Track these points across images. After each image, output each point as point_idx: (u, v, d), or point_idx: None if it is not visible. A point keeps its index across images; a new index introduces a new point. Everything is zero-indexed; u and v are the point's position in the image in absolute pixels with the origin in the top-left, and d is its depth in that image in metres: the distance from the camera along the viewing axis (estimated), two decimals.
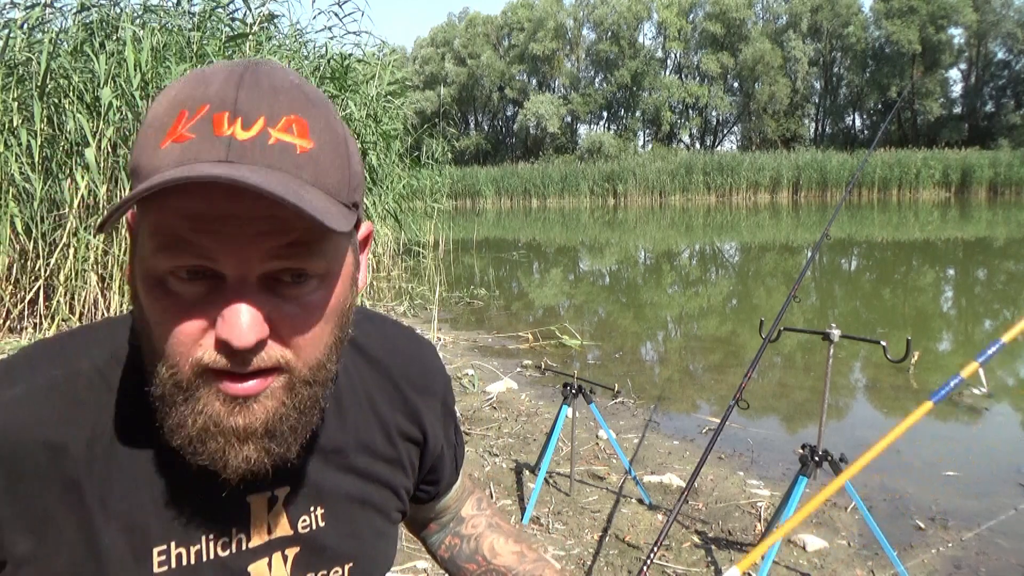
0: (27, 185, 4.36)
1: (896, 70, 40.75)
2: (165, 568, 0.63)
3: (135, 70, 4.40)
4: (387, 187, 7.85)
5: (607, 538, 2.40)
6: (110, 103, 4.33)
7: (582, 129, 48.43)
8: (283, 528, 0.69)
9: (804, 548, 2.33)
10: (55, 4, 5.00)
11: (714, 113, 47.44)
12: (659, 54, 47.20)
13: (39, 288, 4.41)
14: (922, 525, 2.53)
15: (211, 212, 0.52)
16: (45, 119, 4.48)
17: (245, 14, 5.35)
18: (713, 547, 2.35)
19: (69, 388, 0.60)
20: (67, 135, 4.51)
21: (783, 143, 39.94)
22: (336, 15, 6.65)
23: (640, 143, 46.40)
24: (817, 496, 1.55)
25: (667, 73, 47.24)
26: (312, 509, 0.71)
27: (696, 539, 2.41)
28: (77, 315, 4.45)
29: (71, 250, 4.41)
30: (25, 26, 4.70)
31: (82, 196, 4.39)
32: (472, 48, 48.46)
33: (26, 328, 4.43)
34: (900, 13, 39.15)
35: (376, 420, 0.77)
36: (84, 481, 0.59)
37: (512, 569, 0.91)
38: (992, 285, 8.50)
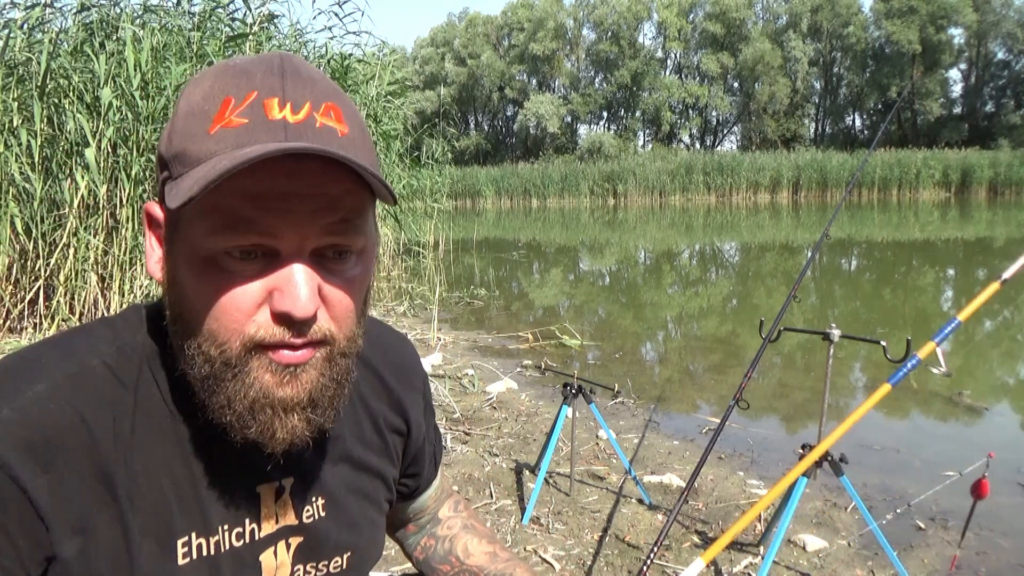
0: (27, 185, 4.36)
1: (896, 70, 40.76)
2: (188, 560, 0.64)
3: (135, 70, 4.40)
4: None
5: (607, 538, 2.40)
6: (110, 103, 4.33)
7: (582, 129, 48.50)
8: (289, 518, 0.71)
9: (804, 548, 2.33)
10: (55, 4, 5.00)
11: (714, 113, 47.46)
12: (659, 54, 47.23)
13: (39, 288, 4.41)
14: (922, 525, 2.53)
15: (273, 190, 0.54)
16: (45, 119, 4.48)
17: (245, 14, 5.36)
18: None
19: (88, 383, 0.60)
20: (67, 135, 4.51)
21: (783, 143, 39.95)
22: (336, 15, 6.66)
23: (640, 143, 46.44)
24: (779, 483, 1.55)
25: (667, 73, 47.25)
26: (315, 499, 0.73)
27: (696, 539, 2.41)
28: (77, 315, 4.45)
29: (71, 250, 4.41)
30: (25, 26, 4.70)
31: (82, 196, 4.39)
32: (472, 48, 48.47)
33: (26, 328, 4.43)
34: (900, 13, 39.15)
35: (366, 411, 0.79)
36: (115, 475, 0.60)
37: (484, 569, 0.92)
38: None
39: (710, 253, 13.21)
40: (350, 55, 7.00)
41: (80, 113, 4.37)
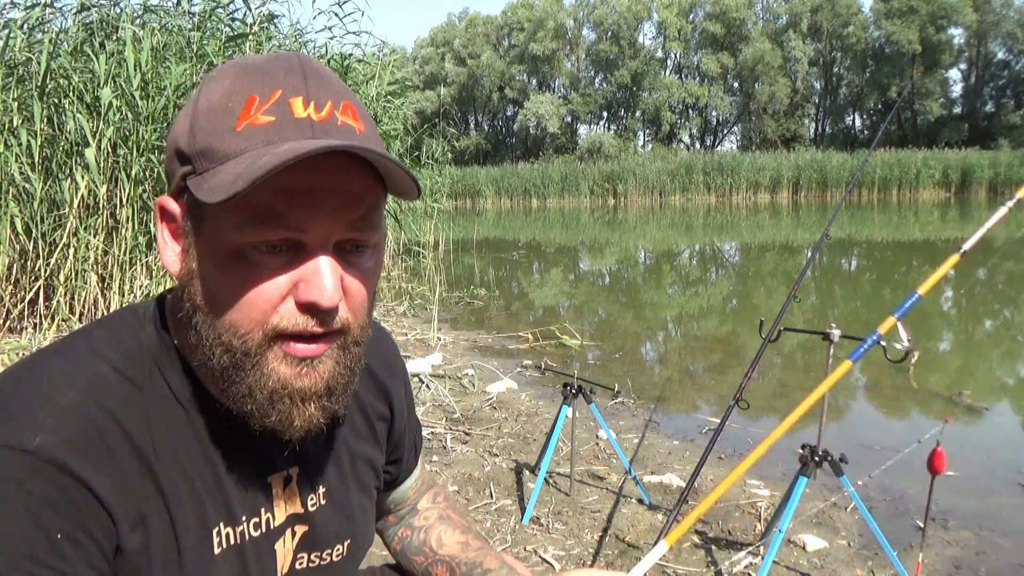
0: (27, 185, 4.36)
1: (896, 70, 40.75)
2: (220, 550, 0.66)
3: (135, 70, 4.40)
4: None
5: (607, 538, 2.40)
6: (110, 103, 4.33)
7: (582, 129, 48.49)
8: (295, 506, 0.73)
9: (804, 548, 2.33)
10: (55, 4, 5.00)
11: (714, 113, 47.44)
12: (659, 54, 47.21)
13: (39, 288, 4.41)
14: (922, 525, 2.53)
15: (303, 186, 0.56)
16: (45, 119, 4.48)
17: (245, 14, 5.35)
18: (713, 547, 2.35)
19: (107, 387, 0.61)
20: (67, 135, 4.51)
21: (783, 143, 39.94)
22: (336, 15, 6.65)
23: (640, 143, 46.42)
24: (750, 455, 1.54)
25: (667, 73, 47.24)
26: (318, 488, 0.76)
27: (696, 539, 2.41)
28: (77, 315, 4.45)
29: (71, 250, 4.41)
30: (25, 26, 4.70)
31: (82, 196, 4.39)
32: (472, 48, 48.45)
33: (26, 328, 4.43)
34: (900, 13, 39.15)
35: (356, 402, 0.82)
36: (156, 470, 0.61)
37: (455, 558, 0.94)
38: (992, 285, 8.50)
39: (710, 253, 13.21)
40: (350, 55, 7.00)
41: (80, 113, 4.37)
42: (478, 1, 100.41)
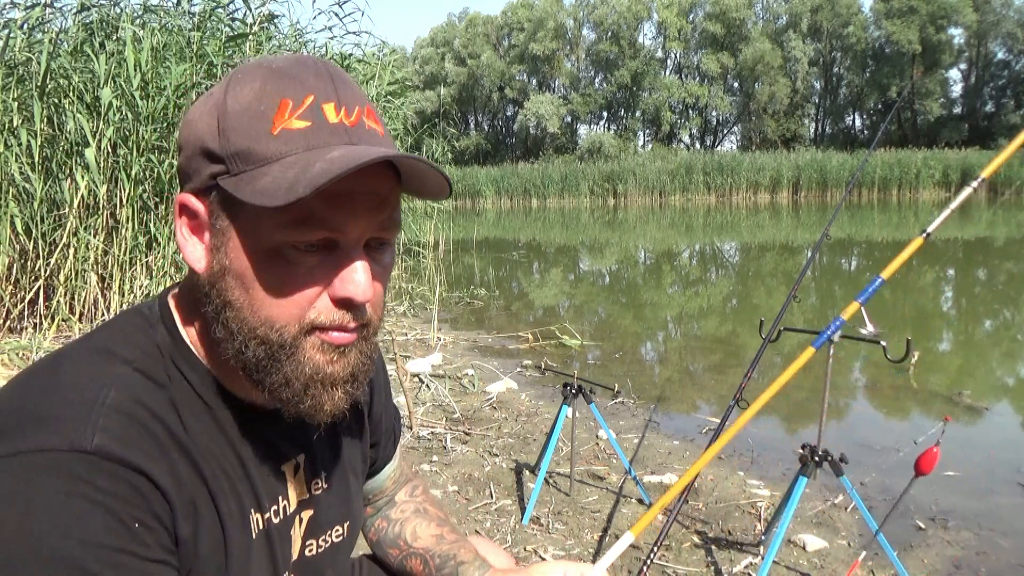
0: (27, 185, 4.36)
1: (896, 70, 40.73)
2: (254, 536, 0.69)
3: (135, 70, 4.40)
4: None
5: (607, 538, 2.40)
6: (110, 103, 4.32)
7: (582, 129, 48.46)
8: (302, 492, 0.77)
9: (804, 548, 2.33)
10: (55, 4, 5.00)
11: (714, 113, 47.42)
12: (659, 54, 47.19)
13: (39, 288, 4.41)
14: (922, 525, 2.53)
15: (343, 190, 0.59)
16: (45, 119, 4.48)
17: (245, 14, 5.35)
18: (713, 547, 2.35)
19: (136, 386, 0.62)
20: (67, 135, 4.50)
21: (783, 143, 39.92)
22: (336, 15, 6.64)
23: (640, 143, 46.40)
24: (721, 438, 1.54)
25: (667, 73, 47.22)
26: (320, 473, 0.79)
27: (696, 539, 2.41)
28: (77, 315, 4.45)
29: (71, 250, 4.41)
30: (25, 26, 4.70)
31: (82, 196, 4.39)
32: (472, 48, 48.43)
33: (26, 328, 4.43)
34: (900, 13, 39.12)
35: None
36: (198, 461, 0.64)
37: (430, 551, 0.97)
38: (992, 285, 8.50)
39: (710, 253, 13.21)
40: (350, 55, 7.00)
41: (80, 113, 4.36)
42: (478, 1, 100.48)
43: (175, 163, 0.63)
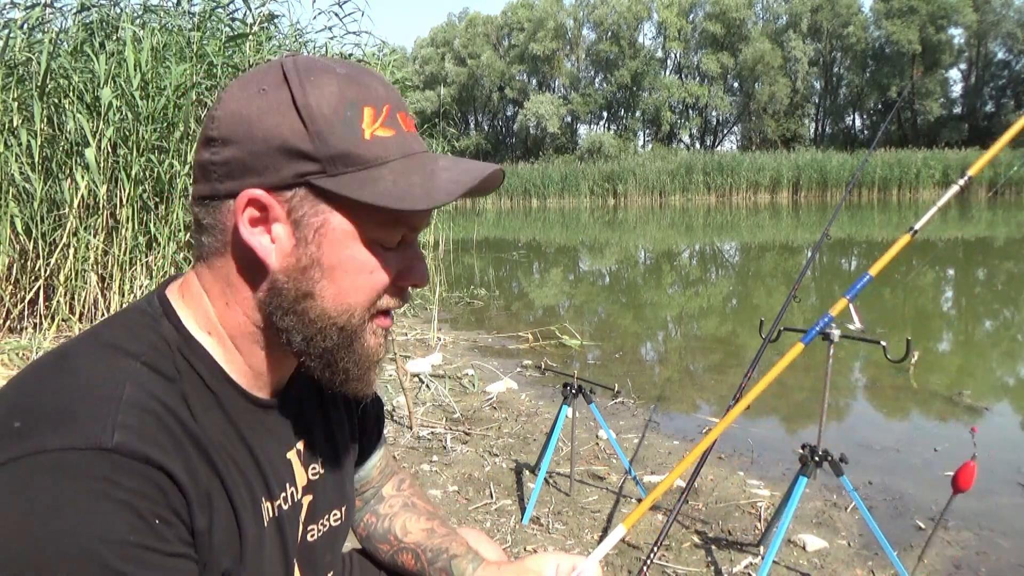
0: (27, 185, 4.36)
1: (896, 70, 40.73)
2: (266, 525, 0.71)
3: (135, 70, 4.40)
4: None
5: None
6: (110, 103, 4.32)
7: (582, 129, 48.45)
8: (302, 478, 0.78)
9: (804, 548, 2.33)
10: (55, 4, 5.00)
11: (714, 113, 47.43)
12: (659, 54, 47.18)
13: (39, 288, 4.41)
14: (922, 525, 2.53)
15: None
16: (45, 119, 4.48)
17: (245, 14, 5.35)
18: (713, 547, 2.35)
19: (149, 381, 0.63)
20: (67, 135, 4.50)
21: (783, 143, 39.92)
22: (336, 15, 6.63)
23: (640, 143, 46.40)
24: (709, 435, 1.55)
25: (667, 73, 47.22)
26: (317, 458, 0.81)
27: (696, 539, 2.41)
28: (77, 315, 4.45)
29: (71, 250, 4.41)
30: (25, 26, 4.70)
31: (82, 196, 4.39)
32: (472, 48, 48.43)
33: (26, 328, 4.43)
34: (900, 13, 39.13)
35: None
36: (211, 453, 0.64)
37: (421, 545, 0.97)
38: (992, 285, 8.50)
39: (710, 253, 13.21)
40: (350, 55, 6.99)
41: (80, 113, 4.36)
42: (478, 1, 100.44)
43: (210, 156, 0.65)
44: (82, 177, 4.34)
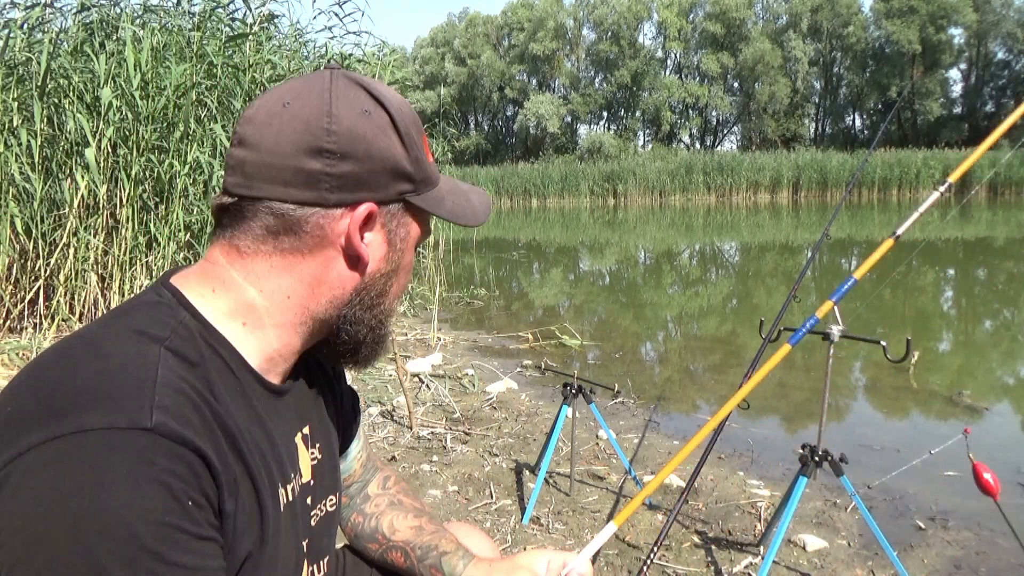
0: (27, 185, 4.36)
1: (896, 70, 40.69)
2: (283, 507, 0.73)
3: (135, 70, 4.40)
4: None
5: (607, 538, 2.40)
6: (110, 103, 4.32)
7: (582, 129, 48.41)
8: (307, 463, 0.80)
9: (804, 548, 2.33)
10: (55, 4, 5.00)
11: (714, 113, 47.39)
12: (659, 54, 47.15)
13: (39, 288, 4.41)
14: (922, 525, 2.53)
15: None
16: (45, 119, 4.48)
17: (245, 14, 5.35)
18: (713, 547, 2.35)
19: (176, 365, 0.64)
20: (67, 135, 4.50)
21: (783, 143, 39.89)
22: (336, 15, 6.64)
23: (640, 143, 46.37)
24: (696, 436, 1.55)
25: (667, 73, 47.19)
26: (317, 443, 0.83)
27: (696, 539, 2.41)
28: (77, 315, 4.45)
29: (71, 250, 4.41)
30: (25, 26, 4.70)
31: (82, 196, 4.39)
32: (472, 48, 48.41)
33: (26, 328, 4.43)
34: (900, 13, 39.09)
35: (315, 360, 0.87)
36: (236, 436, 0.66)
37: (410, 543, 0.97)
38: (992, 285, 8.50)
39: (710, 253, 13.21)
40: (350, 55, 7.00)
41: (80, 113, 4.36)
42: (478, 1, 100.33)
43: (324, 167, 0.68)
44: (82, 177, 4.34)
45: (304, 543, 0.78)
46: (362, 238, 0.71)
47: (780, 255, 12.01)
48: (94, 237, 4.44)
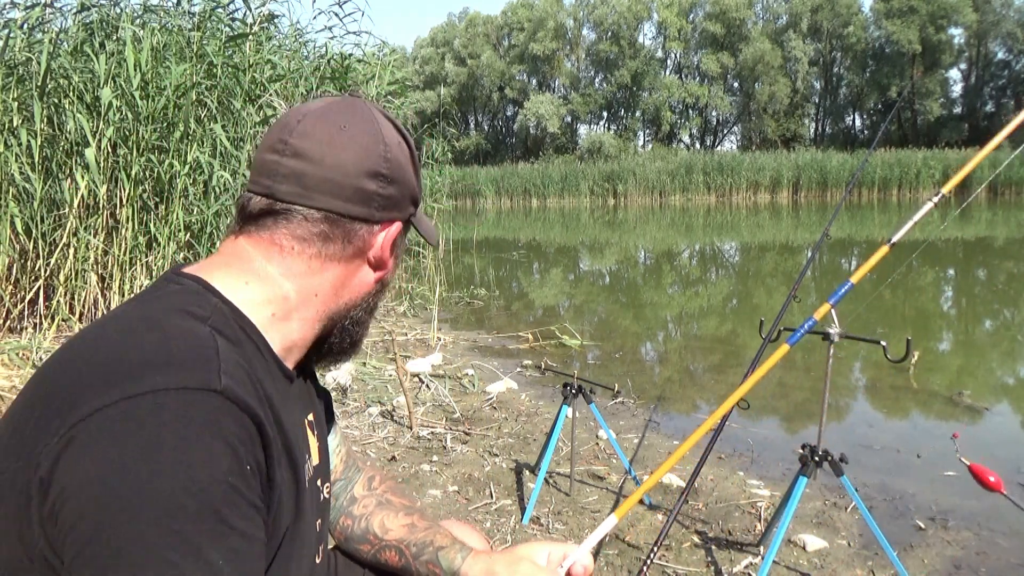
0: (27, 185, 4.36)
1: (896, 70, 40.69)
2: (307, 483, 0.77)
3: (135, 70, 4.40)
4: None
5: (607, 538, 2.40)
6: (110, 103, 4.32)
7: (582, 129, 48.41)
8: (314, 447, 0.84)
9: (804, 548, 2.33)
10: (55, 4, 5.00)
11: (714, 113, 47.39)
12: (659, 54, 47.15)
13: (39, 288, 4.41)
14: (922, 525, 2.53)
15: None
16: (45, 119, 4.48)
17: (245, 14, 5.35)
18: (713, 547, 2.35)
19: (226, 342, 0.68)
20: (67, 135, 4.50)
21: (783, 143, 39.88)
22: (336, 15, 6.63)
23: (640, 143, 46.36)
24: (693, 435, 1.54)
25: (667, 73, 47.19)
26: (316, 431, 0.86)
27: (696, 539, 2.41)
28: (77, 315, 4.45)
29: (71, 250, 4.41)
30: (25, 26, 4.69)
31: (82, 196, 4.38)
32: (472, 48, 48.41)
33: (26, 328, 4.43)
34: (900, 13, 39.09)
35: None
36: (279, 412, 0.70)
37: (404, 540, 0.97)
38: (992, 285, 8.50)
39: (710, 253, 13.21)
40: (350, 55, 6.99)
41: (80, 113, 4.36)
42: (478, 1, 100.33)
43: (377, 188, 0.78)
44: (82, 177, 4.34)
45: (317, 523, 0.82)
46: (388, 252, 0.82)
47: (780, 255, 12.01)
48: (94, 237, 4.44)
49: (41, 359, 3.79)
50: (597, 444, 3.30)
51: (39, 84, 4.32)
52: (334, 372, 3.97)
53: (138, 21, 4.90)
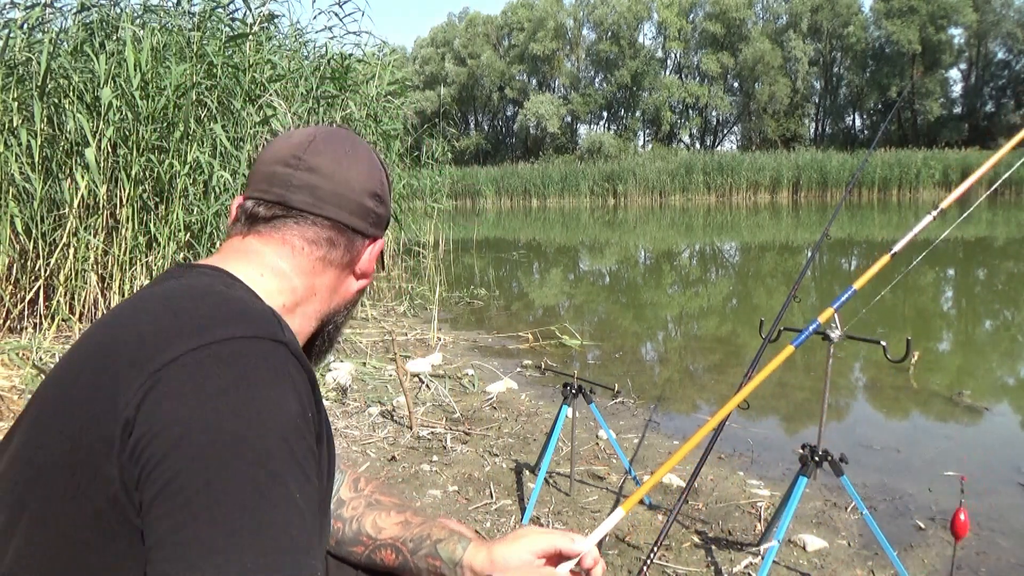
0: (27, 185, 4.36)
1: (896, 70, 40.70)
2: (333, 454, 0.81)
3: (135, 70, 4.40)
4: None
5: (607, 538, 2.40)
6: (110, 103, 4.32)
7: (582, 129, 48.42)
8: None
9: (804, 548, 2.33)
10: (55, 4, 5.00)
11: (714, 113, 47.40)
12: (659, 54, 47.16)
13: (39, 288, 4.41)
14: (922, 525, 2.53)
15: None
16: (45, 119, 4.48)
17: (245, 14, 5.35)
18: (713, 547, 2.35)
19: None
20: (67, 135, 4.50)
21: (783, 143, 39.88)
22: (336, 15, 6.64)
23: (640, 143, 46.37)
24: (695, 435, 1.55)
25: (667, 73, 47.20)
26: None
27: (696, 539, 2.41)
28: (77, 315, 4.45)
29: (71, 250, 4.41)
30: (25, 26, 4.70)
31: (82, 196, 4.38)
32: (472, 48, 48.41)
33: (26, 328, 4.43)
34: (900, 13, 39.10)
35: None
36: (313, 381, 0.73)
37: (399, 538, 0.95)
38: (992, 285, 8.50)
39: (710, 253, 13.21)
40: (350, 55, 6.99)
41: (80, 113, 4.36)
42: (478, 1, 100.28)
43: (374, 207, 0.90)
44: (82, 177, 4.34)
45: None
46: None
47: (780, 255, 12.01)
48: (94, 237, 4.44)
49: (41, 359, 3.79)
50: (597, 444, 3.30)
51: (39, 84, 4.32)
52: (334, 372, 3.97)
53: (138, 21, 4.90)
